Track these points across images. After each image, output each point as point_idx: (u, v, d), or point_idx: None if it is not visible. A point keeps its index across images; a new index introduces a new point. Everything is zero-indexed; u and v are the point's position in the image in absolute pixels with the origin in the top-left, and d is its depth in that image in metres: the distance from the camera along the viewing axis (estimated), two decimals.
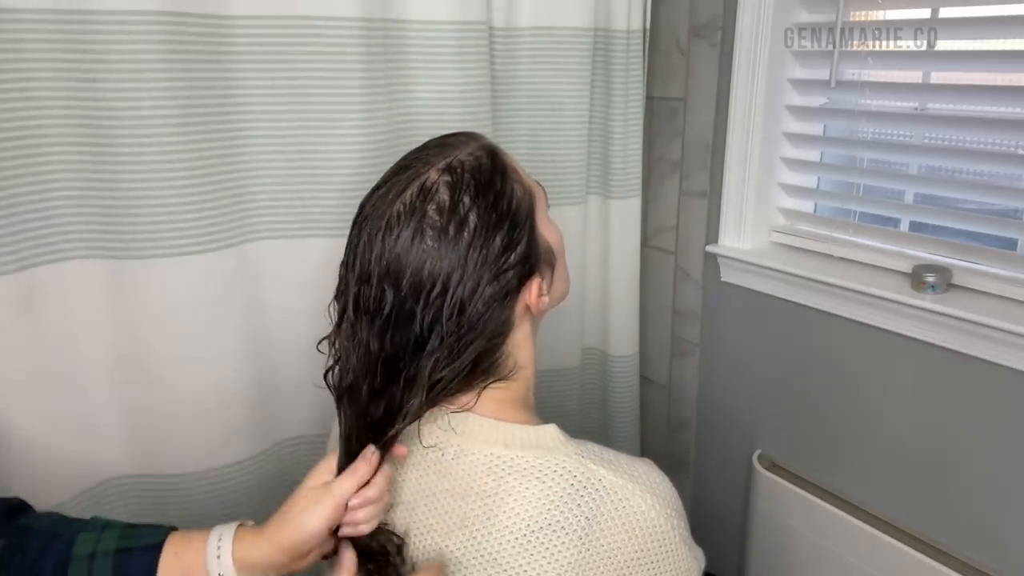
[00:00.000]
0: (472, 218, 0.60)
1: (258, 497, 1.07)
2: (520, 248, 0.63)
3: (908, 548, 1.06)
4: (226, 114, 0.93)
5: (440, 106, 1.07)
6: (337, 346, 0.64)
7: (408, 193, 0.61)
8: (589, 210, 1.31)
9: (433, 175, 0.61)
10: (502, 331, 0.64)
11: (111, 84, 0.84)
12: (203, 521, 1.03)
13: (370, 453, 0.61)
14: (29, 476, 0.91)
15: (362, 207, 0.64)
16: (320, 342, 0.66)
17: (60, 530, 0.61)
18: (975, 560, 1.03)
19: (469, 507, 0.61)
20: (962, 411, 1.01)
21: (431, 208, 0.60)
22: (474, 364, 0.62)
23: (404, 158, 0.66)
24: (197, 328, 0.97)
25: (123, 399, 0.96)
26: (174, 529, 0.62)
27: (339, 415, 0.64)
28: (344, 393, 0.63)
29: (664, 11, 1.30)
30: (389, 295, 0.60)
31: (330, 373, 0.65)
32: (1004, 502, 0.99)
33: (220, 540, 0.60)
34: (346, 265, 0.64)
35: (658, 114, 1.36)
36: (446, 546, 0.62)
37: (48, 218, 0.87)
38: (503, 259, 0.61)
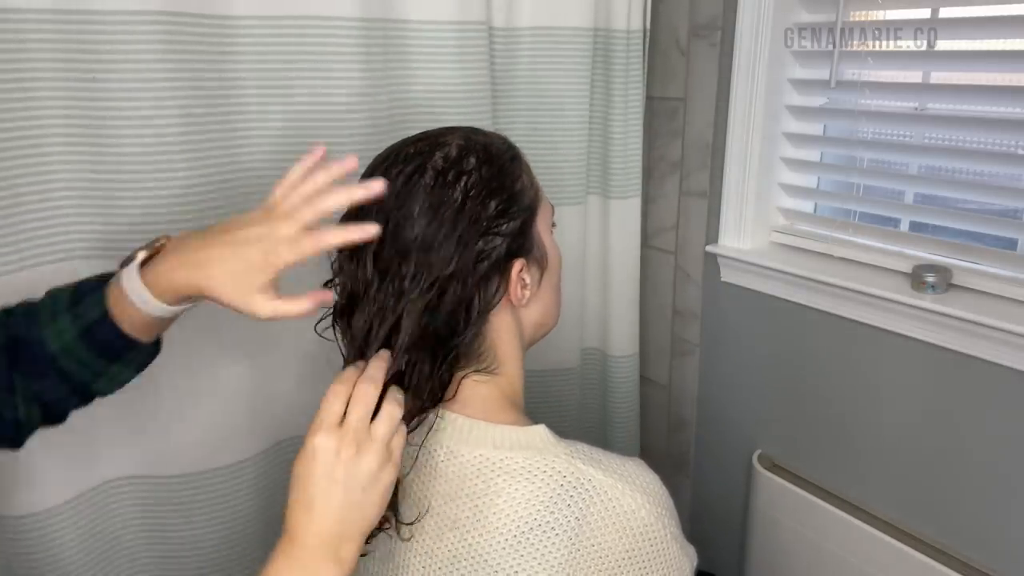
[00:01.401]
0: (474, 176, 0.62)
1: (259, 497, 1.07)
2: (514, 224, 0.64)
3: (908, 548, 1.06)
4: (226, 114, 0.93)
5: (440, 106, 1.07)
6: (337, 267, 0.66)
7: (421, 143, 0.64)
8: (589, 210, 1.31)
9: (449, 139, 0.65)
10: (481, 306, 0.63)
11: (112, 84, 0.84)
12: (204, 521, 1.04)
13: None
14: (29, 476, 0.92)
15: (379, 153, 0.67)
16: (328, 283, 0.68)
17: (25, 334, 0.64)
18: (975, 560, 1.03)
19: (459, 508, 0.61)
20: (962, 411, 1.01)
21: (438, 155, 0.63)
22: (450, 332, 0.62)
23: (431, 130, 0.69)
24: (197, 328, 0.96)
25: (123, 399, 0.96)
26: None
27: (337, 329, 0.67)
28: (344, 306, 0.65)
29: (664, 11, 1.30)
30: (380, 223, 0.60)
31: (330, 286, 0.67)
32: (1004, 502, 0.99)
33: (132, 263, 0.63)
34: None
35: (658, 114, 1.36)
36: (436, 547, 0.62)
37: (49, 218, 0.87)
38: (495, 223, 0.62)
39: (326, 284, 0.69)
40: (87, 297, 0.63)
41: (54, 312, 0.63)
